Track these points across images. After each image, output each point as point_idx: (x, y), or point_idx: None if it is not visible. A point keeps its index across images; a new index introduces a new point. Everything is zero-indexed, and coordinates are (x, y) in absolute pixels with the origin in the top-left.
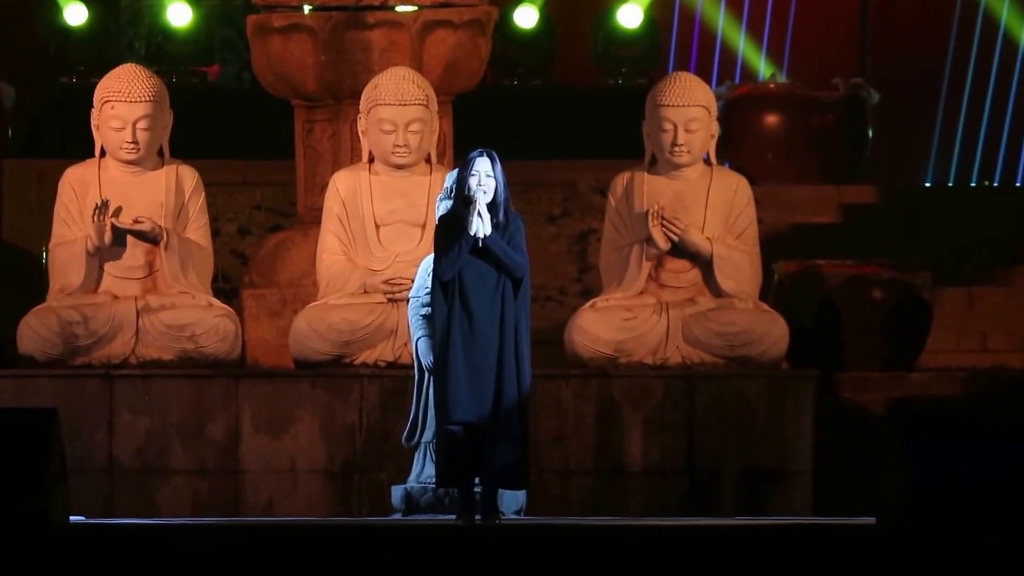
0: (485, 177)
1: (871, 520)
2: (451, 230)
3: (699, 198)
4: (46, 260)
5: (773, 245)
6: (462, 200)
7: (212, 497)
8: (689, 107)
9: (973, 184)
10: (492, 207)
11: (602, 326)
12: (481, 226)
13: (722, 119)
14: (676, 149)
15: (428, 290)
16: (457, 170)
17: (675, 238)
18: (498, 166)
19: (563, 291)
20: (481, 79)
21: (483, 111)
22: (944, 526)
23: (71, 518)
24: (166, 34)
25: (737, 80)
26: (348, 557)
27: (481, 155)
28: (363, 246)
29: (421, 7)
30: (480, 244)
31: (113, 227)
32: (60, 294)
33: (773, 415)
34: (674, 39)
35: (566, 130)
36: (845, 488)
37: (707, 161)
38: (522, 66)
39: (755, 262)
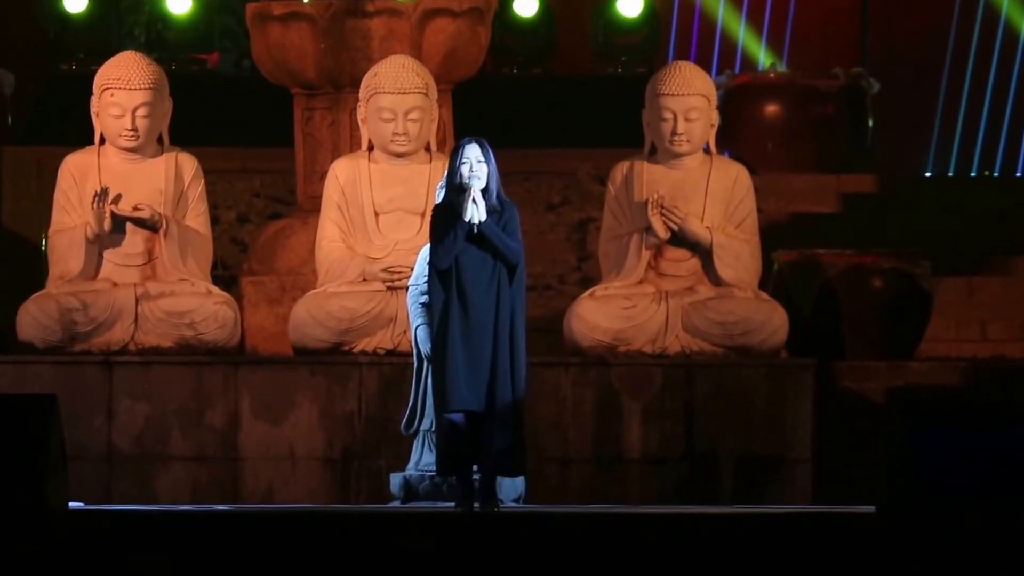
0: (477, 163)
1: (870, 508)
2: (446, 218)
3: (699, 187)
4: (45, 247)
5: (773, 234)
6: (455, 188)
7: (211, 484)
8: (689, 96)
9: (973, 174)
10: (485, 192)
11: (601, 315)
12: (476, 212)
13: (722, 108)
14: (676, 138)
15: (427, 278)
16: (448, 159)
17: (675, 227)
18: (489, 152)
19: (562, 279)
20: (481, 67)
21: (483, 99)
22: (944, 514)
23: (70, 504)
24: (166, 21)
25: (737, 69)
26: (346, 544)
27: (470, 142)
28: (362, 234)
29: None
30: (476, 230)
31: (112, 214)
32: (59, 281)
33: (772, 404)
34: (674, 28)
35: (566, 119)
36: (844, 476)
37: (707, 150)
38: (522, 54)
39: (755, 251)
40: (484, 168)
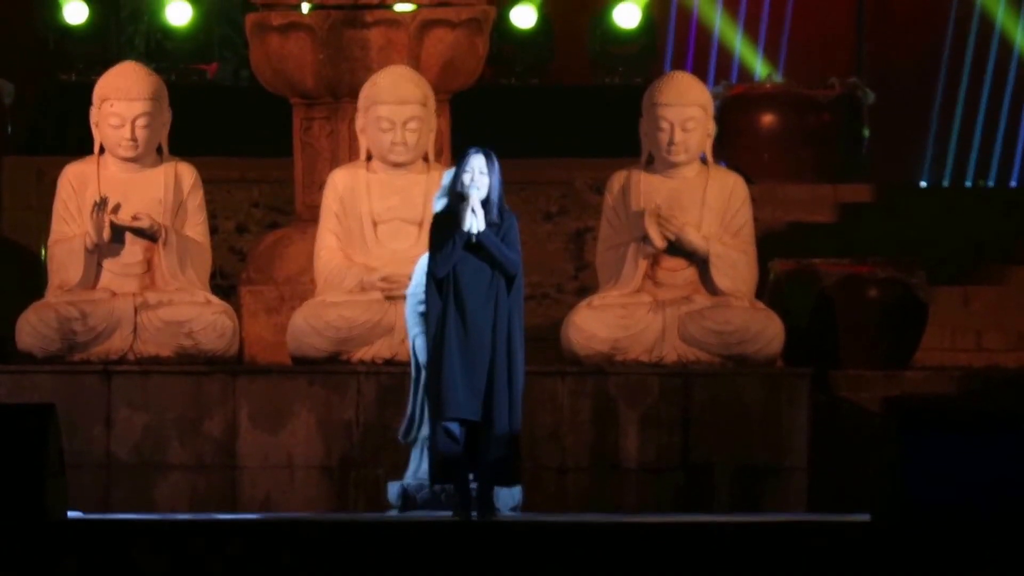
0: (479, 174)
1: (866, 517)
2: (445, 227)
3: (695, 197)
4: (45, 257)
5: (769, 244)
6: (456, 197)
7: (209, 492)
8: (686, 106)
9: (968, 184)
10: (486, 205)
11: (598, 324)
12: (475, 222)
13: (718, 118)
14: (673, 148)
15: (425, 287)
16: (454, 168)
17: (671, 237)
18: (494, 164)
19: (560, 289)
20: (479, 78)
21: (481, 110)
22: (938, 523)
23: (69, 513)
24: (165, 32)
25: (734, 79)
26: (344, 553)
27: (477, 153)
28: (361, 243)
29: (419, 6)
30: (474, 240)
31: (112, 224)
32: (59, 290)
33: (768, 412)
34: (671, 38)
35: (563, 129)
36: (840, 485)
37: (703, 160)
38: (520, 65)
39: (751, 261)
40: (485, 180)
